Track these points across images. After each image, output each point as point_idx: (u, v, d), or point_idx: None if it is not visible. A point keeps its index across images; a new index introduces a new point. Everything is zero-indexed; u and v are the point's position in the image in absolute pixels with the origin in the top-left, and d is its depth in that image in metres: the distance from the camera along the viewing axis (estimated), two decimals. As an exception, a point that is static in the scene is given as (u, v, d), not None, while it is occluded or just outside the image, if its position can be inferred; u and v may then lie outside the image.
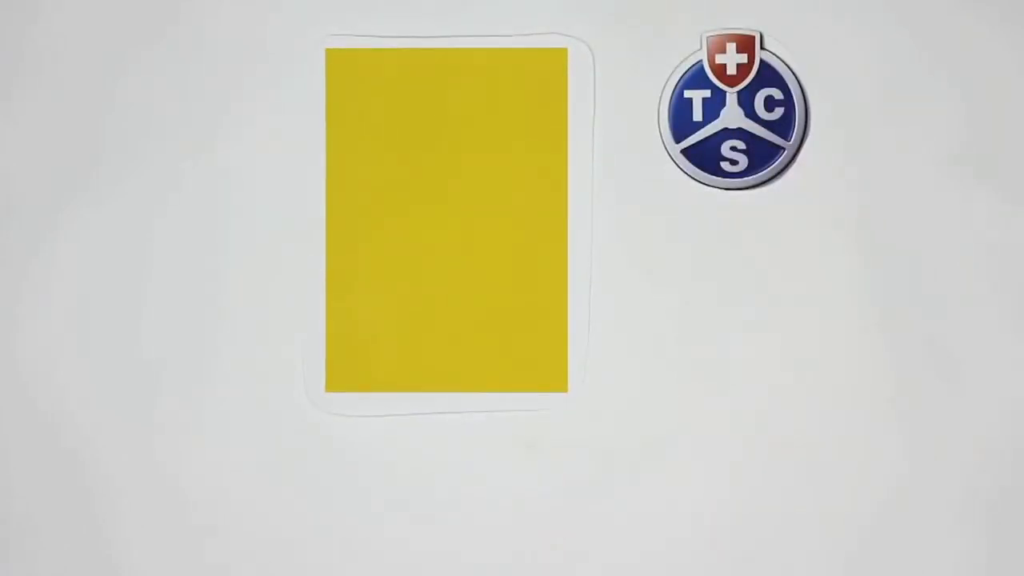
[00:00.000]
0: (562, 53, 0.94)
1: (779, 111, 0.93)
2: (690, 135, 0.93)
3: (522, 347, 0.94)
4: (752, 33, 0.93)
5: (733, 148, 0.93)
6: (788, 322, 0.93)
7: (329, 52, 0.94)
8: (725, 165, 0.93)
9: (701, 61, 0.93)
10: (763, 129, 0.93)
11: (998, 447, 0.93)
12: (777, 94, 0.93)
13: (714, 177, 0.93)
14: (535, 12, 0.94)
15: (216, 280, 0.94)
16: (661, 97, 0.93)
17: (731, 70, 0.93)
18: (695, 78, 0.93)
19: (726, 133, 0.93)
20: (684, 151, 0.93)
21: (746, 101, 0.93)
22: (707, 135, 0.93)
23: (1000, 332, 0.93)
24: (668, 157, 0.93)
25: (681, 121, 0.93)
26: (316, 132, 0.94)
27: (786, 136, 0.93)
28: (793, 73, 0.93)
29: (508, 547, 0.94)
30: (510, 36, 0.94)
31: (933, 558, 0.93)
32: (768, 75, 0.93)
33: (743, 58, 0.93)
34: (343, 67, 0.94)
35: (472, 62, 0.94)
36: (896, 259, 0.93)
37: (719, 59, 0.93)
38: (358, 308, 0.94)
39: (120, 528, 0.94)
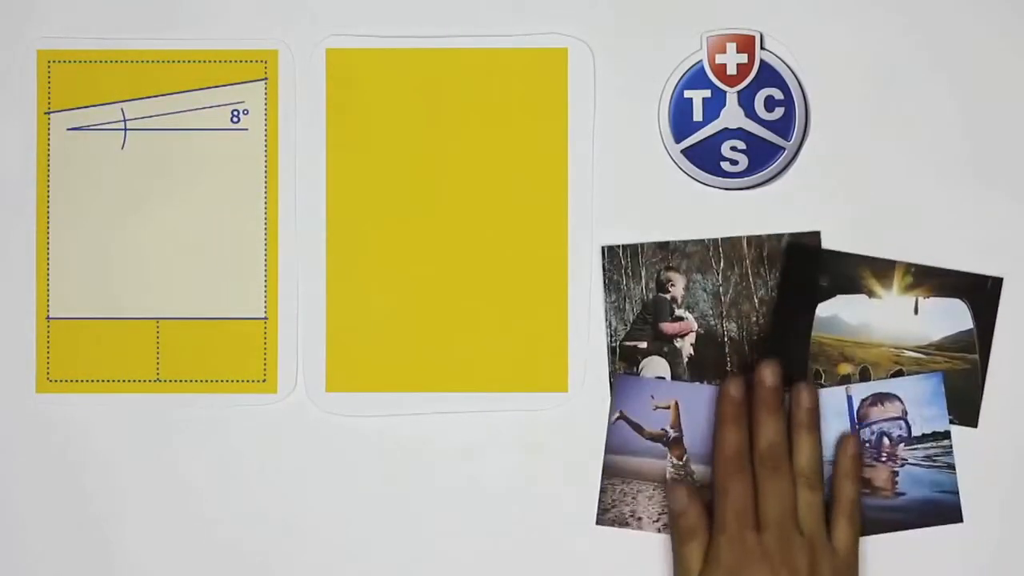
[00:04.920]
0: (562, 53, 0.94)
1: (779, 111, 0.93)
2: (690, 135, 0.93)
3: (522, 347, 0.94)
4: (752, 33, 0.93)
5: (733, 148, 0.93)
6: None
7: (329, 52, 0.94)
8: (725, 165, 0.93)
9: (701, 61, 0.93)
10: (763, 129, 0.93)
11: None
12: (777, 94, 0.93)
13: (714, 177, 0.93)
14: (535, 12, 0.94)
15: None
16: (661, 97, 0.93)
17: (731, 70, 0.93)
18: (695, 78, 0.93)
19: (726, 133, 0.93)
20: (684, 151, 0.93)
21: (746, 101, 0.93)
22: (707, 135, 0.93)
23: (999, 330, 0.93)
24: (668, 157, 0.93)
25: (681, 121, 0.93)
26: (316, 132, 0.94)
27: (786, 136, 0.93)
28: (793, 73, 0.93)
29: (508, 546, 0.94)
30: (510, 36, 0.94)
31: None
32: (768, 75, 0.93)
33: (743, 58, 0.93)
34: (343, 67, 0.94)
35: (472, 62, 0.94)
36: (895, 259, 0.93)
37: (719, 59, 0.93)
38: (358, 308, 0.94)
39: (121, 525, 0.94)
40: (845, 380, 0.93)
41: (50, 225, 0.95)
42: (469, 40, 0.94)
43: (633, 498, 0.94)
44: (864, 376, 0.93)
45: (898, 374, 0.93)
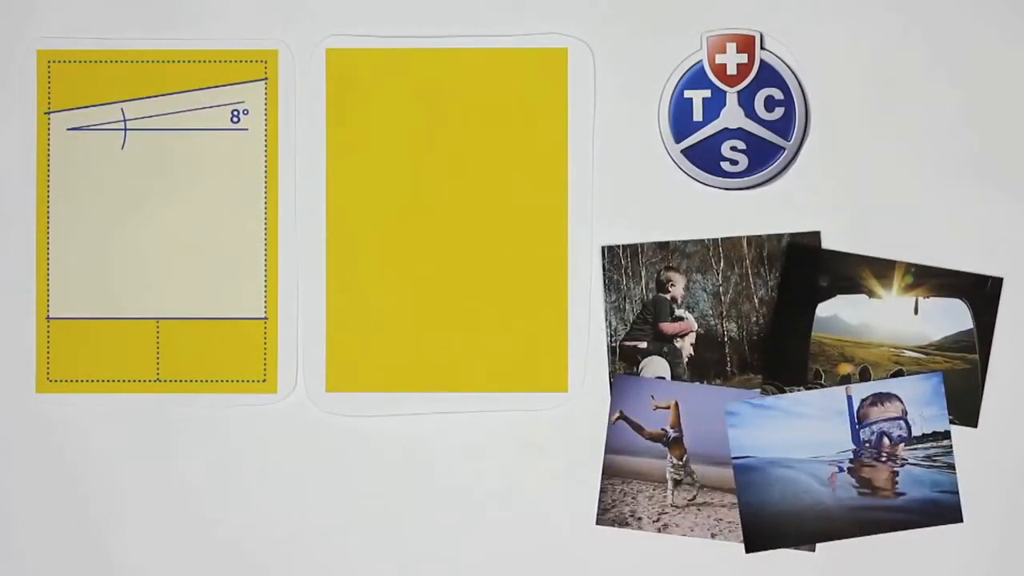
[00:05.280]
0: (562, 53, 0.94)
1: (779, 111, 0.93)
2: (690, 135, 0.93)
3: (523, 347, 0.94)
4: (752, 33, 0.93)
5: (733, 148, 0.93)
6: (788, 322, 0.94)
7: (329, 52, 0.94)
8: (725, 165, 0.93)
9: (701, 61, 0.93)
10: (763, 129, 0.93)
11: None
12: (777, 94, 0.93)
13: (714, 177, 0.93)
14: (535, 12, 0.94)
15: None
16: (661, 97, 0.93)
17: (731, 70, 0.93)
18: (695, 78, 0.93)
19: (726, 133, 0.93)
20: (684, 151, 0.93)
21: (746, 101, 0.93)
22: (707, 135, 0.93)
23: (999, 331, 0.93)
24: (668, 157, 0.93)
25: (681, 121, 0.93)
26: (316, 132, 0.94)
27: (786, 136, 0.93)
28: (793, 73, 0.93)
29: (508, 546, 0.94)
30: (510, 36, 0.94)
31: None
32: (768, 75, 0.93)
33: (743, 58, 0.93)
34: (343, 67, 0.94)
35: (472, 62, 0.94)
36: (895, 259, 0.93)
37: (719, 59, 0.93)
38: (358, 308, 0.94)
39: (121, 525, 0.94)
40: (845, 380, 0.93)
41: (50, 225, 0.95)
42: (469, 40, 0.94)
43: (633, 498, 0.94)
44: (864, 376, 0.93)
45: (898, 374, 0.93)
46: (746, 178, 0.93)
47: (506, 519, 0.94)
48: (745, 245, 0.94)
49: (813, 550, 0.93)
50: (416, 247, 0.94)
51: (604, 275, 0.94)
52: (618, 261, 0.94)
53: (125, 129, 0.95)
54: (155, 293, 0.94)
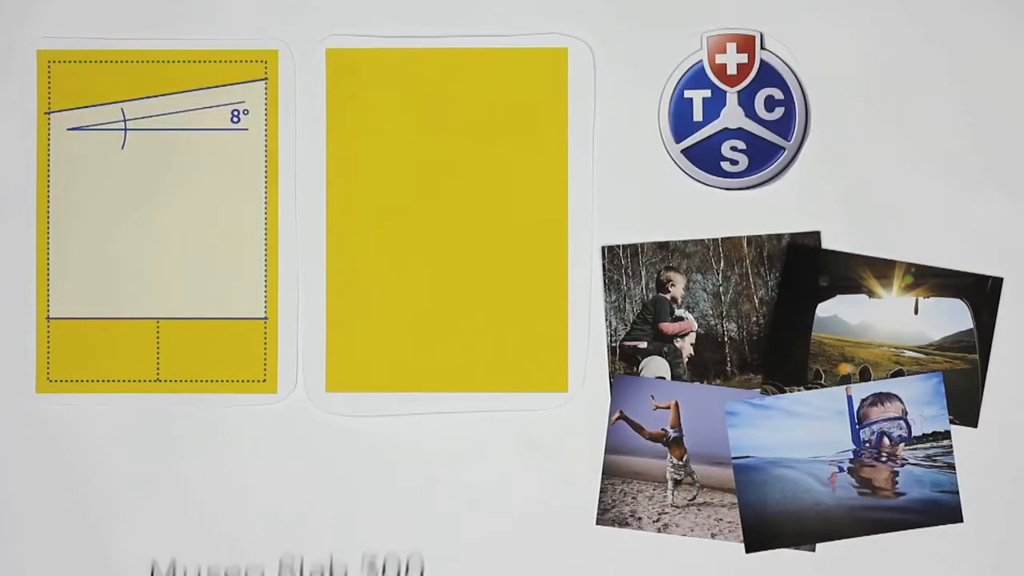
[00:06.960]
0: (562, 53, 0.94)
1: (779, 111, 0.93)
2: (690, 135, 0.93)
3: (523, 348, 0.94)
4: (752, 33, 0.93)
5: (733, 148, 0.93)
6: (788, 322, 0.94)
7: (329, 52, 0.94)
8: (725, 165, 0.93)
9: (701, 61, 0.93)
10: (763, 129, 0.93)
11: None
12: (777, 94, 0.93)
13: (714, 177, 0.93)
14: (535, 12, 0.94)
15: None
16: (661, 97, 0.93)
17: (731, 70, 0.93)
18: (695, 78, 0.93)
19: (726, 133, 0.93)
20: (684, 151, 0.93)
21: (746, 101, 0.93)
22: (707, 135, 0.93)
23: (1000, 332, 0.93)
24: (668, 157, 0.93)
25: (681, 121, 0.93)
26: (316, 132, 0.94)
27: (786, 136, 0.93)
28: (793, 73, 0.93)
29: (508, 546, 0.94)
30: (510, 36, 0.94)
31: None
32: (768, 75, 0.93)
33: (743, 58, 0.93)
34: (343, 67, 0.94)
35: (472, 62, 0.94)
36: (895, 259, 0.93)
37: (719, 59, 0.93)
38: (358, 308, 0.94)
39: (121, 525, 0.94)
40: (845, 380, 0.93)
41: (50, 225, 0.95)
42: (469, 40, 0.94)
43: (633, 498, 0.94)
44: (864, 376, 0.93)
45: (898, 374, 0.93)
46: (746, 178, 0.93)
47: (506, 519, 0.94)
48: (745, 245, 0.94)
49: (813, 550, 0.93)
50: (416, 247, 0.94)
51: (604, 275, 0.94)
52: (618, 261, 0.94)
53: (125, 129, 0.95)
54: (155, 293, 0.94)
